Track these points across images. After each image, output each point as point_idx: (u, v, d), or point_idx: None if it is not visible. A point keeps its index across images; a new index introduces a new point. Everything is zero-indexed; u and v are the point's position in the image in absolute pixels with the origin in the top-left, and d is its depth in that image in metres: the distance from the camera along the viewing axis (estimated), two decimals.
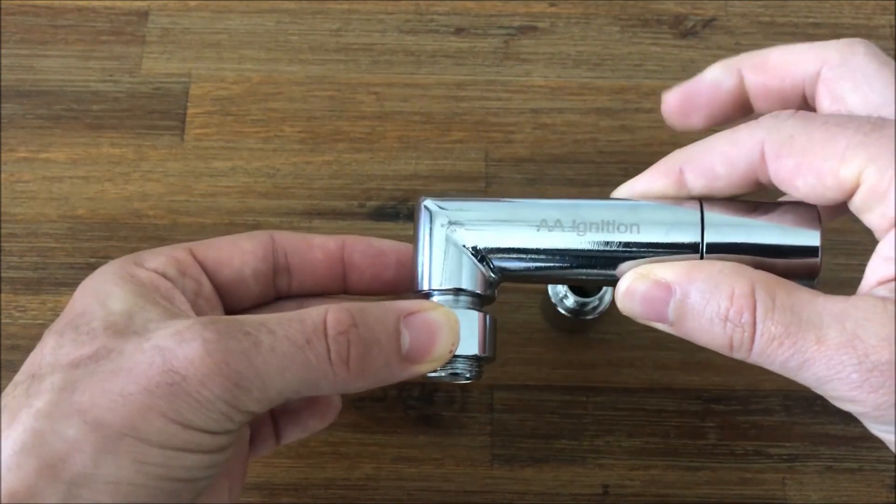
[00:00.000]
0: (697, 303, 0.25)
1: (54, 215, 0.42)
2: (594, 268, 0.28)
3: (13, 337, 0.40)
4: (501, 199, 0.29)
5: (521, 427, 0.39)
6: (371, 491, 0.38)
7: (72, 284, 0.40)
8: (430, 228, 0.29)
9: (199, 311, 0.29)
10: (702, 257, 0.27)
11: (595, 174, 0.43)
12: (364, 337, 0.26)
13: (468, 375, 0.29)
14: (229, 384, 0.24)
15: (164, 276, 0.28)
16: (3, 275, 0.41)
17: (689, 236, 0.27)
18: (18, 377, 0.26)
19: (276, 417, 0.34)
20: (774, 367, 0.24)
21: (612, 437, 0.39)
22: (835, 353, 0.23)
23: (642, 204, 0.28)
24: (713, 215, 0.27)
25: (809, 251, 0.27)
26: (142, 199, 0.42)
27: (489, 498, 0.38)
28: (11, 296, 0.40)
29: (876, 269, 0.24)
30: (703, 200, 0.28)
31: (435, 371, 0.28)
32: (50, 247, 0.41)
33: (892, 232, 0.24)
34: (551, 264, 0.28)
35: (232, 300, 0.31)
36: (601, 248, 0.28)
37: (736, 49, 0.45)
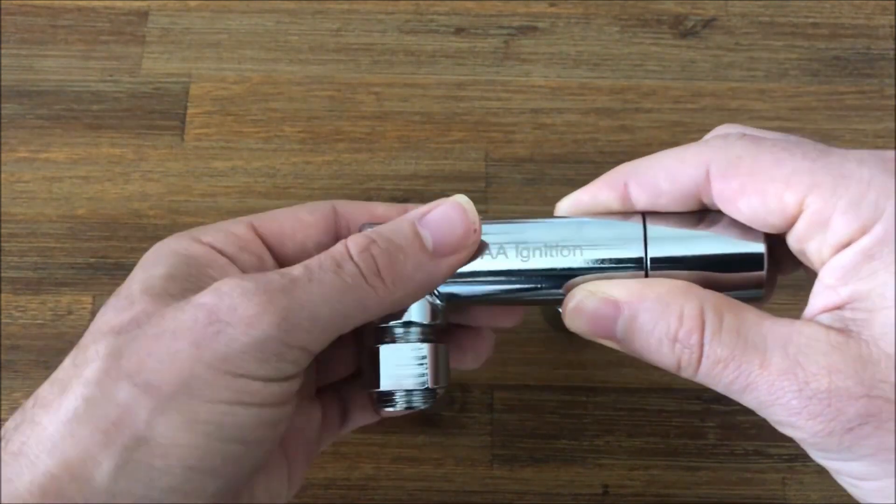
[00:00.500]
0: (646, 322, 0.25)
1: (54, 215, 0.42)
2: (541, 290, 0.28)
3: (13, 337, 0.40)
4: None
5: (521, 427, 0.39)
6: (371, 491, 0.38)
7: (72, 284, 0.41)
8: None
9: None
10: (646, 273, 0.27)
11: (595, 174, 0.42)
12: (386, 248, 0.26)
13: (424, 405, 0.29)
14: (277, 319, 0.24)
15: (222, 252, 0.28)
16: (3, 275, 0.41)
17: (632, 252, 0.27)
18: (69, 354, 0.26)
19: (345, 403, 0.33)
20: (719, 389, 0.25)
21: (612, 437, 0.39)
22: (776, 378, 0.23)
23: (585, 221, 0.28)
24: (657, 229, 0.27)
25: (754, 263, 0.27)
26: (142, 199, 0.42)
27: (489, 498, 0.38)
28: (11, 296, 0.40)
29: (818, 296, 0.24)
30: (647, 214, 0.28)
31: (392, 407, 0.29)
32: (50, 247, 0.41)
33: (834, 259, 0.24)
34: (497, 288, 0.29)
35: None
36: (546, 271, 0.28)
37: (736, 49, 0.45)
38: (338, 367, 0.33)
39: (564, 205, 0.29)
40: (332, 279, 0.25)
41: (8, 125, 0.43)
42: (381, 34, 0.45)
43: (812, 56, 0.45)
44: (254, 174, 0.42)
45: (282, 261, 0.30)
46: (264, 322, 0.24)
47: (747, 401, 0.24)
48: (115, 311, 0.25)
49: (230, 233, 0.29)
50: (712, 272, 0.27)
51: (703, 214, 0.27)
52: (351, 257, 0.26)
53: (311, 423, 0.31)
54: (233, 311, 0.24)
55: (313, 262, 0.26)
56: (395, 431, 0.39)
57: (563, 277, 0.28)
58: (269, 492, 0.29)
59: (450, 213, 0.28)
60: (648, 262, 0.27)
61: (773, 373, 0.23)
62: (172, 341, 0.24)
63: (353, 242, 0.26)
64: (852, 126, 0.44)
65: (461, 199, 0.28)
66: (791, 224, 0.25)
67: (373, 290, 0.26)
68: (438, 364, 0.29)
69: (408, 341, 0.29)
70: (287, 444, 0.29)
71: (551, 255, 0.28)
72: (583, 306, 0.27)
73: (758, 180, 0.25)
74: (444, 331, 0.30)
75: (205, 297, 0.25)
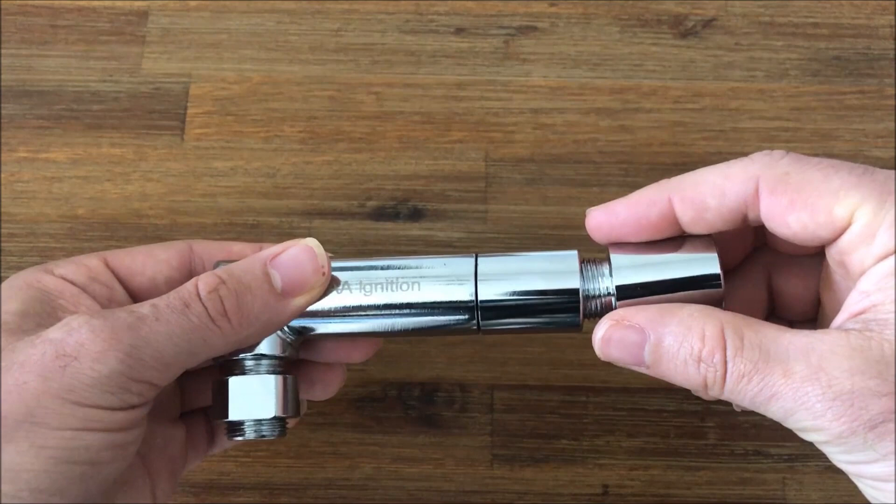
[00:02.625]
0: (671, 346, 0.26)
1: (54, 215, 0.42)
2: (386, 323, 0.30)
3: None
4: None
5: (521, 427, 0.39)
6: (371, 491, 0.38)
7: None
8: None
9: None
10: (476, 307, 0.29)
11: (595, 174, 0.43)
12: (234, 288, 0.27)
13: (275, 434, 0.30)
14: (122, 355, 0.25)
15: (73, 282, 0.29)
16: (3, 275, 0.41)
17: (465, 293, 0.29)
18: None
19: (211, 426, 0.34)
20: (745, 403, 0.25)
21: (612, 437, 0.39)
22: (800, 385, 0.24)
23: (424, 260, 0.30)
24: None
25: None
26: (142, 199, 0.42)
27: (489, 498, 0.38)
28: None
29: (852, 304, 0.25)
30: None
31: (242, 436, 0.30)
32: (50, 247, 0.41)
33: (874, 268, 0.25)
34: (345, 325, 0.30)
35: None
36: (386, 306, 0.29)
37: (736, 49, 0.45)
38: (204, 393, 0.33)
39: (596, 214, 0.29)
40: (178, 318, 0.26)
41: (8, 125, 0.43)
42: (381, 34, 0.45)
43: (812, 56, 0.45)
44: (254, 174, 0.42)
45: (133, 295, 0.31)
46: (110, 358, 0.25)
47: (773, 411, 0.25)
48: None
49: (82, 264, 0.30)
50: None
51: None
52: (199, 297, 0.27)
53: (173, 442, 0.32)
54: (80, 346, 0.25)
55: (162, 300, 0.27)
56: (395, 431, 0.39)
57: (402, 311, 0.29)
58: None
59: (300, 255, 0.29)
60: (478, 303, 0.29)
61: (796, 380, 0.24)
62: (20, 373, 0.25)
63: (203, 282, 0.27)
64: (852, 126, 0.44)
65: (311, 242, 0.29)
66: (839, 235, 0.26)
67: (219, 330, 0.27)
68: (287, 395, 0.30)
69: (258, 373, 0.30)
70: (148, 461, 0.31)
71: (391, 290, 0.29)
72: (609, 336, 0.27)
73: (808, 196, 0.26)
74: (293, 363, 0.32)
75: (54, 333, 0.26)
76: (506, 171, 0.43)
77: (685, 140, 0.43)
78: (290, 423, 0.32)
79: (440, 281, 0.29)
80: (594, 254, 0.30)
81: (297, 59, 0.45)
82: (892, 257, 0.25)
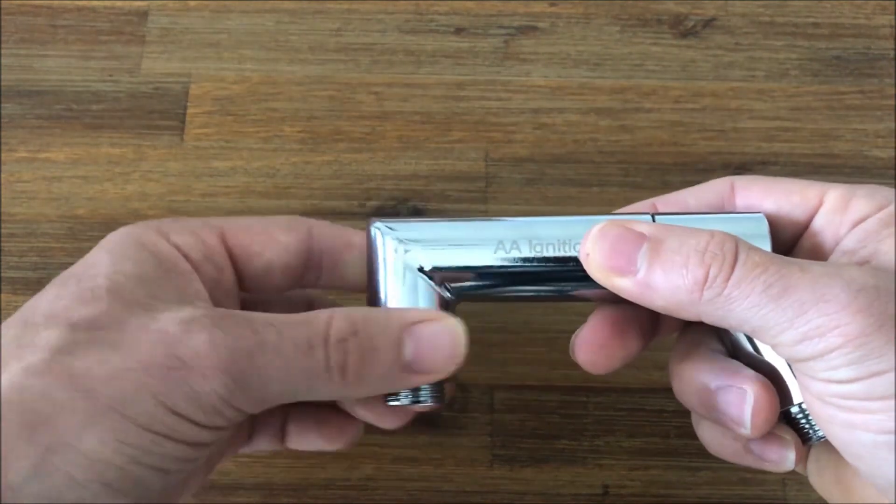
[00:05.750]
0: (674, 243, 0.25)
1: (54, 215, 0.42)
2: (552, 285, 0.28)
3: None
4: (455, 219, 0.29)
5: (521, 427, 0.39)
6: (371, 491, 0.38)
7: None
8: (384, 251, 0.28)
9: (214, 301, 0.28)
10: None
11: (595, 174, 0.43)
12: (364, 346, 0.26)
13: (430, 402, 0.29)
14: (229, 380, 0.24)
15: (188, 256, 0.27)
16: (3, 275, 0.41)
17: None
18: (11, 321, 0.25)
19: (252, 425, 0.33)
20: (750, 300, 0.23)
21: (612, 437, 0.39)
22: (820, 278, 0.23)
23: (596, 218, 0.28)
24: (665, 220, 0.28)
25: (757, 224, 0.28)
26: (141, 199, 0.42)
27: (489, 498, 0.38)
28: (11, 296, 0.40)
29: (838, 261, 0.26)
30: (654, 214, 0.28)
31: (397, 399, 0.28)
32: (50, 247, 0.41)
33: (856, 228, 0.26)
34: (510, 285, 0.28)
35: (253, 288, 0.30)
36: (559, 267, 0.28)
37: (736, 49, 0.45)
38: None
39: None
40: (297, 358, 0.25)
41: (8, 125, 0.43)
42: (381, 34, 0.45)
43: (812, 56, 0.45)
44: (254, 174, 0.42)
45: (244, 279, 0.29)
46: (217, 379, 0.24)
47: (784, 306, 0.23)
48: (75, 301, 0.25)
49: (199, 238, 0.28)
50: None
51: (707, 213, 0.29)
52: (326, 344, 0.25)
53: (218, 441, 0.31)
54: (193, 354, 0.24)
55: (288, 329, 0.25)
56: (395, 431, 0.39)
57: (573, 275, 0.28)
58: (165, 496, 0.28)
59: (441, 335, 0.27)
60: None
61: (816, 275, 0.23)
62: (126, 358, 0.23)
63: (335, 329, 0.25)
64: (852, 126, 0.44)
65: (457, 326, 0.27)
66: (812, 216, 0.27)
67: (329, 381, 0.25)
68: None
69: None
70: None
71: (564, 250, 0.28)
72: (607, 231, 0.26)
73: (781, 185, 0.28)
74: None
75: (172, 325, 0.24)
76: (506, 171, 0.43)
77: (685, 140, 0.43)
78: (448, 389, 0.29)
79: None
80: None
81: (297, 59, 0.45)
82: (871, 219, 0.26)
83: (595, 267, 0.26)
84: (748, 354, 0.28)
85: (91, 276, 0.25)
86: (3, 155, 0.43)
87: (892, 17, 0.46)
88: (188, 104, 0.44)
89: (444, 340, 0.27)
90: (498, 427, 0.39)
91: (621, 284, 0.25)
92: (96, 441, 0.23)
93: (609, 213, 0.29)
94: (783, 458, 0.27)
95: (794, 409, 0.27)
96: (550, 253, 0.28)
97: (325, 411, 0.32)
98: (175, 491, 0.28)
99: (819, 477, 0.29)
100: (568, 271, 0.28)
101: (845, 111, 0.44)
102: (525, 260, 0.28)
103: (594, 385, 0.39)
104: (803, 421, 0.27)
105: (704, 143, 0.43)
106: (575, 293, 0.29)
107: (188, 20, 0.45)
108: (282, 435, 0.33)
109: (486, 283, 0.28)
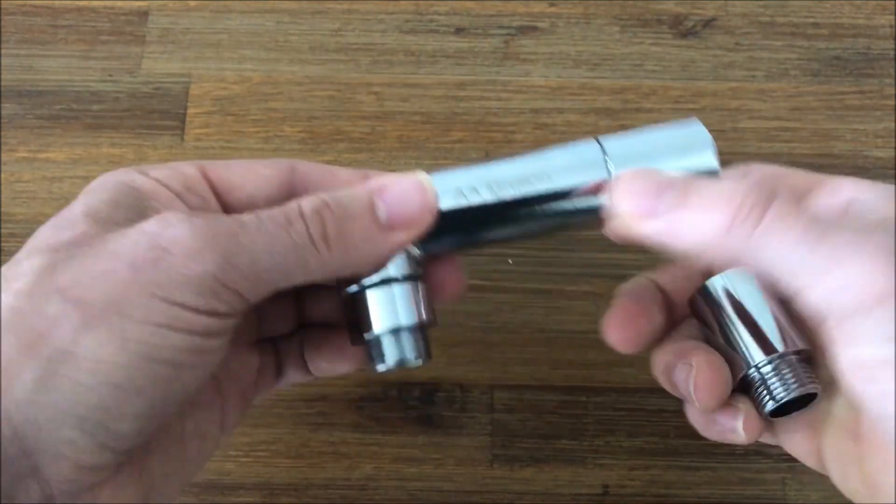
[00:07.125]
0: (703, 185, 0.25)
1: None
2: (515, 225, 0.29)
3: None
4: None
5: (521, 427, 0.39)
6: (371, 491, 0.38)
7: None
8: None
9: None
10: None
11: None
12: (338, 213, 0.26)
13: (415, 357, 0.29)
14: (218, 258, 0.24)
15: (168, 187, 0.28)
16: None
17: (600, 173, 0.28)
18: (4, 266, 0.25)
19: (281, 358, 0.33)
20: (780, 244, 0.24)
21: (612, 437, 0.39)
22: (854, 236, 0.23)
23: (546, 152, 0.29)
24: (611, 147, 0.28)
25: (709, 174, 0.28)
26: None
27: (489, 498, 0.38)
28: None
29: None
30: (598, 138, 0.28)
31: (384, 364, 0.28)
32: None
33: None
34: (472, 232, 0.29)
35: None
36: (520, 205, 0.28)
37: (736, 49, 0.45)
38: (277, 323, 0.33)
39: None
40: (280, 233, 0.25)
41: (8, 125, 0.43)
42: (381, 34, 0.45)
43: (812, 56, 0.45)
44: None
45: (227, 209, 0.29)
46: (206, 257, 0.24)
47: (822, 253, 0.23)
48: (53, 230, 0.25)
49: (178, 171, 0.28)
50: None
51: (647, 129, 0.29)
52: (302, 217, 0.26)
53: (247, 369, 0.31)
54: (176, 241, 0.24)
55: (264, 212, 0.26)
56: (395, 431, 0.39)
57: (535, 211, 0.28)
58: (200, 430, 0.29)
59: (409, 189, 0.27)
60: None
61: (850, 233, 0.23)
62: (110, 262, 0.24)
63: (308, 203, 0.26)
64: (852, 126, 0.44)
65: (422, 177, 0.28)
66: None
67: (317, 253, 0.26)
68: (422, 300, 0.29)
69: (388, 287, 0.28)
70: (222, 386, 0.30)
71: (523, 185, 0.28)
72: (637, 174, 0.26)
73: (788, 181, 0.29)
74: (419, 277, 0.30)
75: (150, 225, 0.24)
76: None
77: None
78: (429, 344, 0.29)
79: (571, 171, 0.28)
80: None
81: (297, 59, 0.45)
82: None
83: (625, 212, 0.26)
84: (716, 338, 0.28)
85: (68, 210, 0.26)
86: (3, 155, 0.43)
87: (892, 17, 0.46)
88: (188, 104, 0.44)
89: (413, 193, 0.27)
90: (498, 427, 0.39)
91: (649, 228, 0.26)
92: (95, 344, 0.23)
93: (555, 145, 0.29)
94: (733, 428, 0.28)
95: (752, 374, 0.27)
96: (508, 191, 0.28)
97: (336, 334, 0.32)
98: (195, 410, 0.28)
99: (843, 476, 0.28)
100: (527, 209, 0.28)
101: (845, 111, 0.44)
102: (487, 203, 0.28)
103: (594, 385, 0.39)
104: (761, 388, 0.27)
105: None
106: (538, 227, 0.29)
107: (188, 20, 0.45)
108: (305, 365, 0.33)
109: (451, 235, 0.29)
